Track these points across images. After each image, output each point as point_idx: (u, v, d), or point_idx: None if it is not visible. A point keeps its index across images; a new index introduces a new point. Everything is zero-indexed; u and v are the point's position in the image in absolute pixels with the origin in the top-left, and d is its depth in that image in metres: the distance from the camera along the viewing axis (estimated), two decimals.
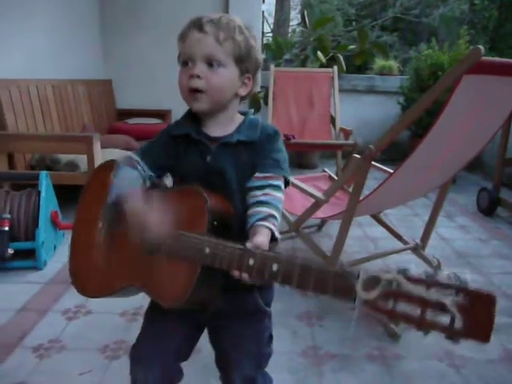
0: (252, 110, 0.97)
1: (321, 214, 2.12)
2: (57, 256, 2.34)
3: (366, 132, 3.91)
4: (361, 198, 1.76)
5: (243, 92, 0.92)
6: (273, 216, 0.83)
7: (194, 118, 0.94)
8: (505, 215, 3.23)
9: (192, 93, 0.87)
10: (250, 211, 0.85)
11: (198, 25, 0.86)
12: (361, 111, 4.86)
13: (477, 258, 2.50)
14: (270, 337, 1.03)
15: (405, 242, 2.32)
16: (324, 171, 2.88)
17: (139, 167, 0.93)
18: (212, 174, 0.89)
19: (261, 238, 0.78)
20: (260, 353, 1.02)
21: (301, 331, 1.73)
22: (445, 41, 4.67)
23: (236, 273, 0.75)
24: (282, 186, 0.90)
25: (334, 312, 1.88)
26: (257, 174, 0.89)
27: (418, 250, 2.23)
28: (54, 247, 2.39)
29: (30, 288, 2.01)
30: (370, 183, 1.77)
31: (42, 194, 2.27)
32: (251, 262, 0.73)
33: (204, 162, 0.90)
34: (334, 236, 1.93)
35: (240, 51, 0.88)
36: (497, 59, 1.43)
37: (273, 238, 0.82)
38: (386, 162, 2.22)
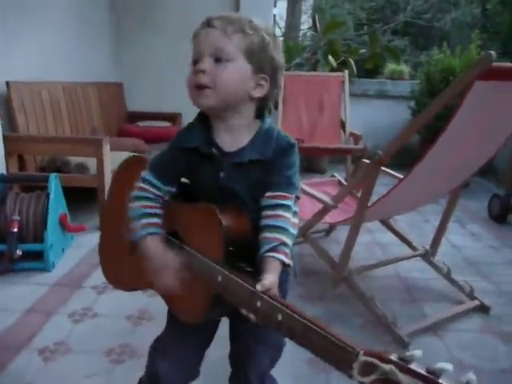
0: (267, 115, 0.92)
1: (329, 219, 2.10)
2: (65, 259, 2.35)
3: (376, 137, 3.88)
4: (370, 203, 1.75)
5: (257, 93, 0.86)
6: (284, 244, 0.81)
7: (204, 125, 0.89)
8: None
9: (198, 89, 0.83)
10: (262, 236, 0.83)
11: (207, 21, 0.84)
12: (371, 116, 4.83)
13: (487, 266, 2.46)
14: None
15: (414, 249, 2.29)
16: (333, 176, 2.86)
17: (153, 190, 0.91)
18: (225, 190, 0.87)
19: (271, 277, 0.76)
20: (278, 344, 1.02)
21: None
22: (456, 45, 4.62)
23: (244, 311, 0.75)
24: (293, 205, 0.86)
25: (341, 319, 1.85)
26: (268, 194, 0.85)
27: (427, 256, 2.20)
28: (63, 250, 2.40)
29: (38, 289, 2.01)
30: (379, 189, 1.74)
31: (51, 196, 2.28)
32: (259, 304, 0.73)
33: (217, 178, 0.87)
34: (342, 242, 1.92)
35: (251, 45, 0.83)
36: (508, 64, 1.41)
37: (284, 265, 0.81)
38: (395, 166, 2.19)
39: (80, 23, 3.79)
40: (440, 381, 0.55)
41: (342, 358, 0.63)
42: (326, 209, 1.95)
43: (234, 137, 0.88)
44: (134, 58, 4.45)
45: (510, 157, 3.13)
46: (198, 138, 0.88)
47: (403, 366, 0.58)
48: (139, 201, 0.90)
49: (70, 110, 3.40)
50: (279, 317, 0.70)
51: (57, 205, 2.34)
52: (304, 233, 2.14)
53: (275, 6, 6.67)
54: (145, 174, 0.91)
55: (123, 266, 1.03)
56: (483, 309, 1.94)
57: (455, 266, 2.24)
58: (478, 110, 1.46)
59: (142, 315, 1.80)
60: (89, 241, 2.50)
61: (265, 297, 0.72)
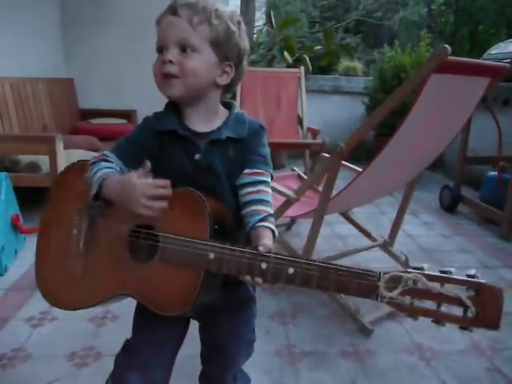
0: (235, 103, 0.94)
1: (291, 212, 2.12)
2: (18, 261, 2.24)
3: (333, 132, 3.95)
4: (331, 196, 1.78)
5: (223, 81, 0.87)
6: (271, 215, 0.84)
7: (175, 112, 0.89)
8: (466, 212, 3.35)
9: (165, 78, 0.83)
10: (248, 210, 0.84)
11: (172, 8, 0.82)
12: (327, 111, 4.92)
13: (440, 253, 2.57)
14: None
15: (373, 239, 2.36)
16: (293, 170, 2.89)
17: (114, 165, 0.87)
18: (201, 171, 0.86)
19: (269, 242, 0.78)
20: (250, 339, 1.02)
21: (274, 330, 1.73)
22: (405, 44, 4.79)
23: (247, 277, 0.75)
24: (270, 182, 0.90)
25: (306, 310, 1.88)
26: (246, 171, 0.87)
27: (386, 246, 2.27)
28: (16, 252, 2.29)
29: None
30: (338, 182, 1.78)
31: (2, 197, 2.17)
32: (264, 266, 0.74)
33: (192, 160, 0.86)
34: (303, 235, 1.94)
35: (217, 36, 0.83)
36: (463, 59, 1.47)
37: (273, 236, 0.83)
38: (351, 161, 2.25)
39: (29, 17, 3.60)
40: (453, 276, 0.68)
41: (366, 284, 0.70)
42: (288, 202, 1.97)
43: (205, 121, 0.89)
44: (85, 54, 4.28)
45: (459, 150, 3.28)
46: (173, 122, 0.88)
47: (422, 272, 0.68)
48: (97, 164, 0.85)
49: (18, 107, 3.23)
50: (290, 270, 0.73)
51: (8, 206, 2.23)
52: None
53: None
54: (106, 152, 0.90)
55: (72, 282, 0.90)
56: None
57: (411, 254, 2.34)
58: (434, 102, 1.52)
59: (105, 315, 1.75)
60: None
61: (271, 255, 0.74)
